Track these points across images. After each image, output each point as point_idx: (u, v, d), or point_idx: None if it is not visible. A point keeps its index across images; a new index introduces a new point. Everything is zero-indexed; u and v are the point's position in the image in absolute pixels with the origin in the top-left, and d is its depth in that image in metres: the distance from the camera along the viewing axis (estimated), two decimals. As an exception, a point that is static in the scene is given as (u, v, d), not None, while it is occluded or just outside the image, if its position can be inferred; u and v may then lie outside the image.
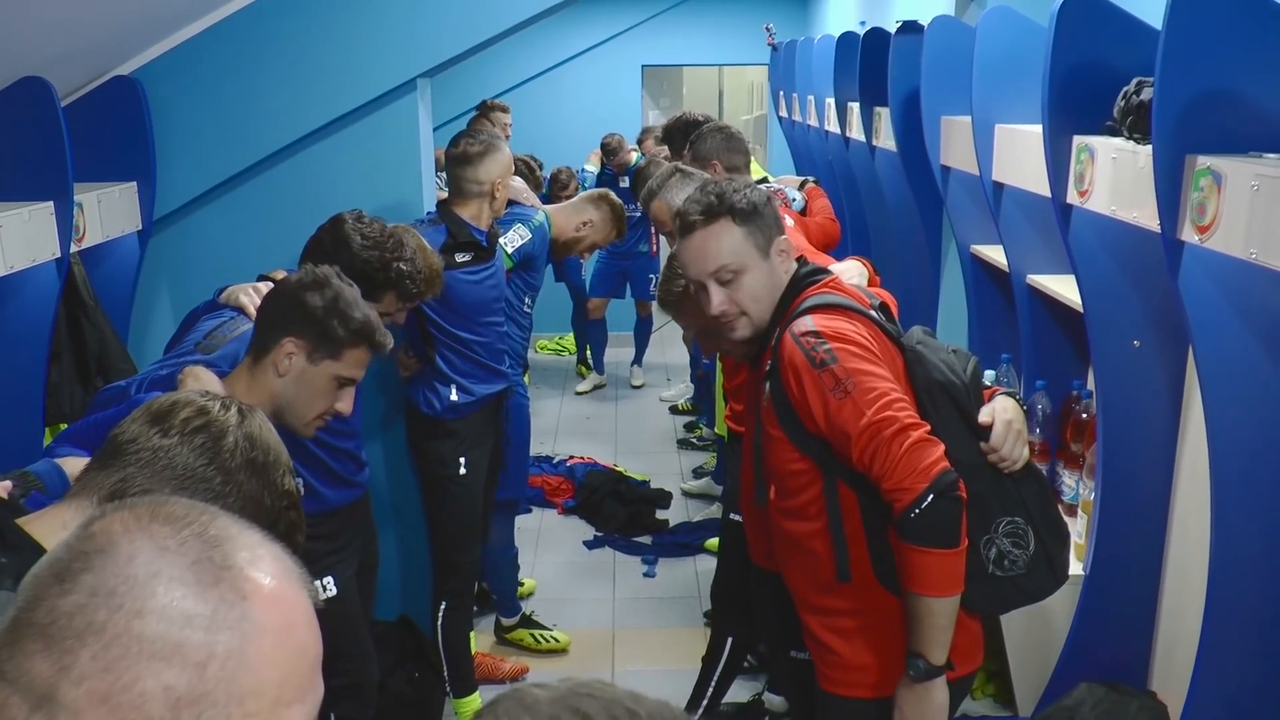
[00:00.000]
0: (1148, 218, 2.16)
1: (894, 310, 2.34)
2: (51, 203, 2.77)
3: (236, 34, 3.42)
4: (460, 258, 3.41)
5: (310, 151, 3.56)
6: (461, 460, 3.56)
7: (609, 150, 7.19)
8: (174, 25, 3.38)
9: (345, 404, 2.13)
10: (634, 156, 6.99)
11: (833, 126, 5.29)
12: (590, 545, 5.22)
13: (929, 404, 2.06)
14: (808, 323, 2.04)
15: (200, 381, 1.99)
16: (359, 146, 3.56)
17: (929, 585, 1.94)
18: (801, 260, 2.26)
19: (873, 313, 2.14)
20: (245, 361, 2.11)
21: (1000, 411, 2.07)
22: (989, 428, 2.05)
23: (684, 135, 4.08)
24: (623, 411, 7.28)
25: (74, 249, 2.93)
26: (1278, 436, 1.97)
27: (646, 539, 5.26)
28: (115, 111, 3.35)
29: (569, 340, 8.37)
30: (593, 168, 7.17)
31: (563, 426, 6.88)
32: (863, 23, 5.26)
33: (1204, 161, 1.92)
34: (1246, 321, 1.98)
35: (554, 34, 8.05)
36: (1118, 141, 2.33)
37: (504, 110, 5.79)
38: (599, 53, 8.64)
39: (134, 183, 3.37)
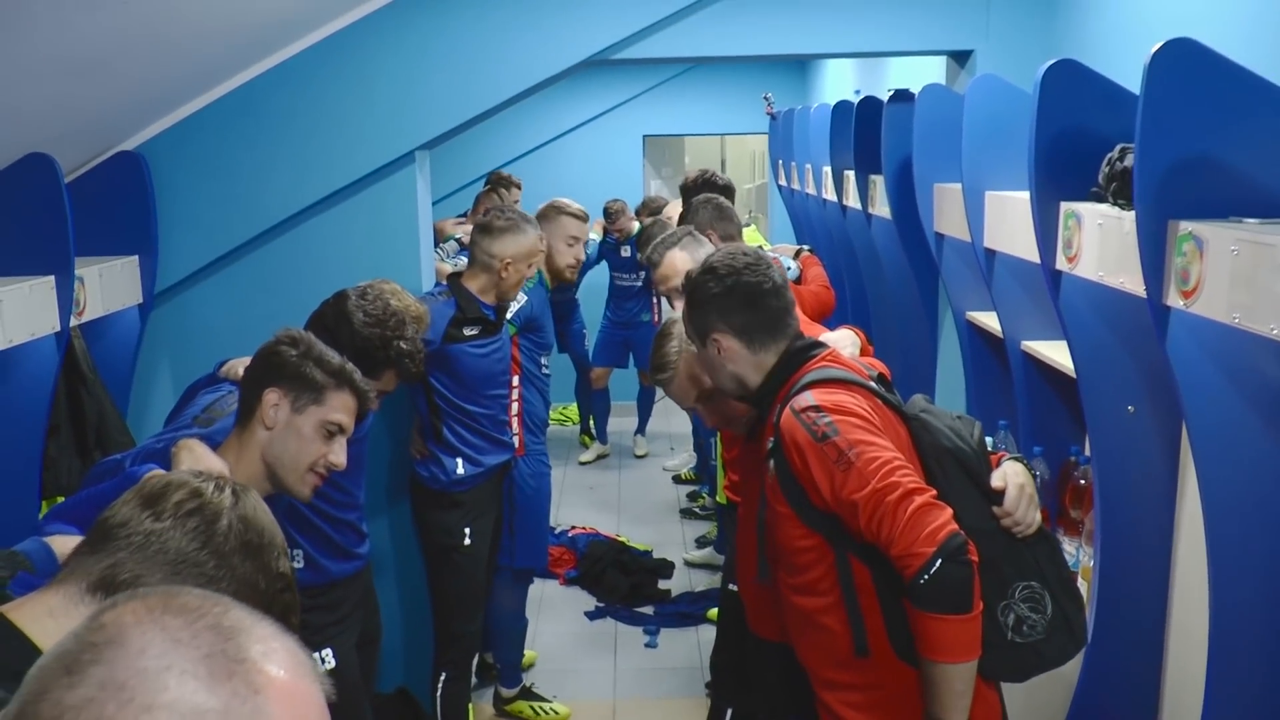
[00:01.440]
0: (1135, 283, 2.16)
1: (889, 378, 2.35)
2: (53, 277, 2.80)
3: (237, 109, 3.49)
4: (468, 331, 3.45)
5: (310, 225, 3.61)
6: (467, 530, 3.57)
7: (610, 215, 7.11)
8: (176, 101, 3.44)
9: (338, 455, 2.11)
10: (634, 225, 6.95)
11: (830, 195, 5.33)
12: (592, 616, 5.18)
13: (938, 471, 2.07)
14: (808, 398, 2.05)
15: (194, 454, 2.00)
16: (358, 219, 3.61)
17: (944, 652, 1.92)
18: (798, 334, 2.27)
19: (872, 384, 2.15)
20: (234, 429, 2.12)
21: (1012, 476, 2.07)
22: (1001, 492, 2.04)
23: (698, 192, 4.19)
24: (626, 481, 7.26)
25: (74, 322, 2.95)
26: (1271, 497, 1.96)
27: (649, 609, 5.22)
28: (119, 186, 3.41)
29: (572, 410, 8.35)
30: (595, 236, 7.09)
31: (566, 496, 6.85)
32: (858, 91, 5.32)
33: (1185, 227, 1.94)
34: (1234, 384, 1.98)
35: (555, 105, 8.15)
36: (1103, 207, 2.35)
37: (517, 186, 5.78)
38: (600, 123, 8.73)
39: (135, 256, 3.42)
